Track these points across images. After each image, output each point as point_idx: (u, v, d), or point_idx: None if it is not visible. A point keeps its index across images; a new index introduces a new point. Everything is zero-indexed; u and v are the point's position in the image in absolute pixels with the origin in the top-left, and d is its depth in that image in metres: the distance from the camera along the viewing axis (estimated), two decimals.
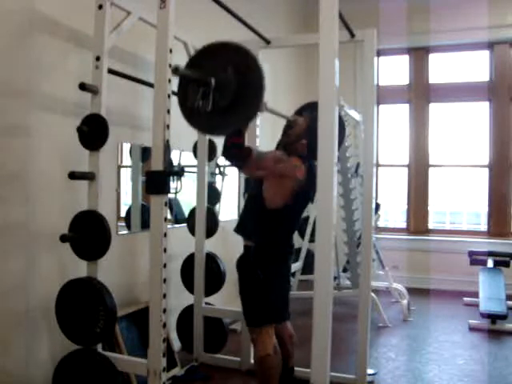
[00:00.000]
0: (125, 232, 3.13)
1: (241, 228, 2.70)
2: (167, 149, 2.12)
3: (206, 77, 2.08)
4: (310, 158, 2.56)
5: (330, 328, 1.94)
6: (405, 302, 4.71)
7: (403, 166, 6.40)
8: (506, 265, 4.96)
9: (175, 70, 1.99)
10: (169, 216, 2.33)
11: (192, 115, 2.19)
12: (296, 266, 5.01)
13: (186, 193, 3.48)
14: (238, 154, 2.37)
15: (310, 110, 2.67)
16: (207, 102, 2.08)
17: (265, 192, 2.50)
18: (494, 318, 4.22)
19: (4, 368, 2.27)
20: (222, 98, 2.09)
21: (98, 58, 2.35)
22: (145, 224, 3.15)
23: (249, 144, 2.48)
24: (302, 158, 2.55)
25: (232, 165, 2.48)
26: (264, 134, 3.38)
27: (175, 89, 2.22)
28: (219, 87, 2.08)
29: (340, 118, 2.86)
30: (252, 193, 2.69)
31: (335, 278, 4.50)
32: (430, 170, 6.29)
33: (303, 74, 6.29)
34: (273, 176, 2.48)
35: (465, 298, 5.19)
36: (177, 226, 3.57)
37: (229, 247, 4.21)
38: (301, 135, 2.58)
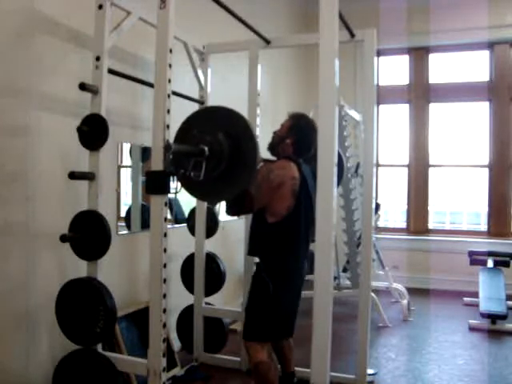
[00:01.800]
0: (125, 232, 3.13)
1: (249, 245, 2.61)
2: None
3: (199, 147, 2.04)
4: (297, 156, 2.55)
5: (329, 328, 1.93)
6: (405, 301, 4.72)
7: (403, 165, 6.41)
8: (506, 265, 4.97)
9: (167, 148, 1.97)
10: (169, 216, 2.32)
11: (185, 181, 2.17)
12: None
13: (186, 193, 3.47)
14: (242, 209, 2.39)
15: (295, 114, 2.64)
16: (199, 172, 2.03)
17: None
18: (494, 317, 4.23)
19: (4, 368, 2.27)
20: (214, 167, 2.05)
21: (97, 58, 2.35)
22: (145, 224, 3.16)
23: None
24: (288, 157, 2.52)
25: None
26: (264, 134, 3.37)
27: (175, 89, 2.22)
28: (212, 156, 2.04)
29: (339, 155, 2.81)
30: None
31: (335, 278, 4.50)
32: (430, 169, 6.30)
33: (303, 73, 6.30)
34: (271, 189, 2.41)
35: (465, 298, 5.20)
36: (177, 226, 3.57)
37: (229, 247, 4.22)
38: (285, 136, 2.54)
